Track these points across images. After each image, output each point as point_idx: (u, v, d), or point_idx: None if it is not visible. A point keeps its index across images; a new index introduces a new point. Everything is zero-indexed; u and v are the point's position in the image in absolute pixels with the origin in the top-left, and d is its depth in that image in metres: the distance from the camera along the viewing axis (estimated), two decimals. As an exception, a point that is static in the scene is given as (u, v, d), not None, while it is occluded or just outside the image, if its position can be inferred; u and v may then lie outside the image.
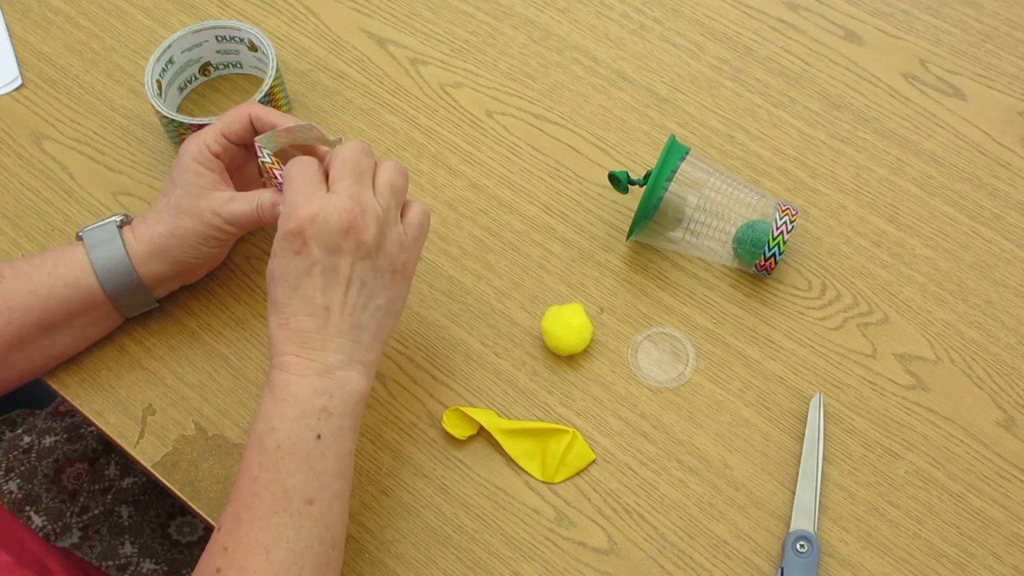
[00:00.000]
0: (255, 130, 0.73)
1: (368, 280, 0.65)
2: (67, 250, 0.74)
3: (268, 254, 0.83)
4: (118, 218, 0.75)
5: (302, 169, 0.66)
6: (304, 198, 0.64)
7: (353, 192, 0.64)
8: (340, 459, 0.64)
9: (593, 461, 0.75)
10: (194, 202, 0.72)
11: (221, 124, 0.73)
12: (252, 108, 0.73)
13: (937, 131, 0.88)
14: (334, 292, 0.64)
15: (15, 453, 0.89)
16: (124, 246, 0.73)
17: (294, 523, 0.61)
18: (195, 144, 0.73)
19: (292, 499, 0.62)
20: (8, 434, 0.93)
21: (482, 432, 0.75)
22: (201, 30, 0.86)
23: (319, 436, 0.63)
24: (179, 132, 0.84)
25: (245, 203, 0.72)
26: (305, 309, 0.64)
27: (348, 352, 0.65)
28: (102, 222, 0.74)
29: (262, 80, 0.89)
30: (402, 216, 0.68)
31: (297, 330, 0.64)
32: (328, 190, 0.65)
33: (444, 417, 0.76)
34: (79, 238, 0.74)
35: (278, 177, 0.70)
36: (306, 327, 0.64)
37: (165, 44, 0.84)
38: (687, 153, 0.79)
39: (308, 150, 0.75)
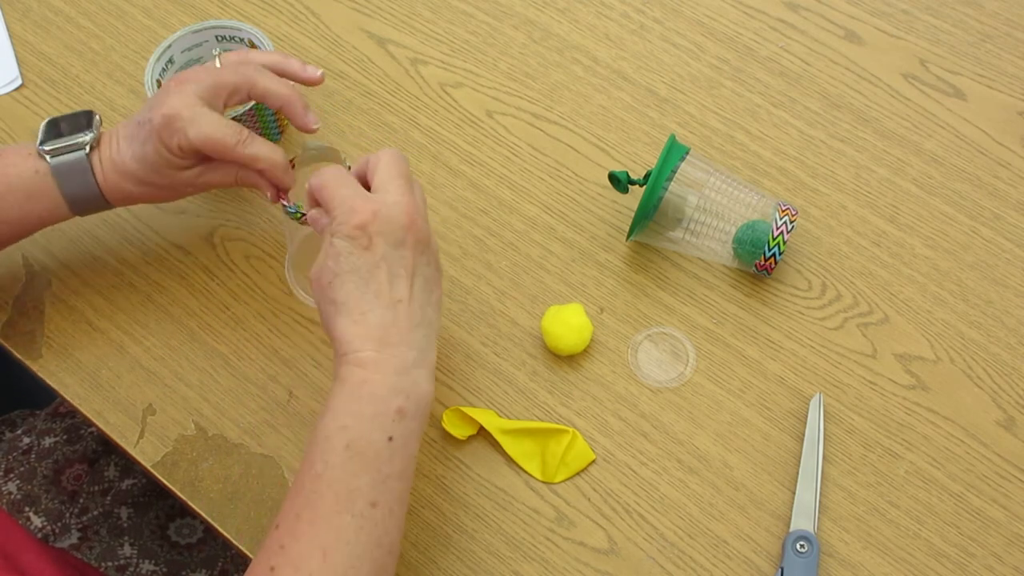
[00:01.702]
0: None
1: (427, 275, 0.66)
2: (34, 181, 0.71)
3: (268, 254, 0.83)
4: (87, 137, 0.72)
5: (338, 176, 0.66)
6: (359, 197, 0.64)
7: (405, 190, 0.65)
8: (406, 462, 0.63)
9: (593, 461, 0.75)
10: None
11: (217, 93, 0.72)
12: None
13: (937, 131, 0.88)
14: (402, 285, 0.64)
15: (15, 454, 0.89)
16: (95, 178, 0.72)
17: (355, 525, 0.60)
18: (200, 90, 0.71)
19: (356, 500, 0.61)
20: (8, 435, 0.93)
21: (482, 432, 0.75)
22: (201, 30, 0.86)
23: (391, 438, 0.62)
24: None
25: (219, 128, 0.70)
26: (379, 303, 0.64)
27: (420, 348, 0.65)
28: (68, 142, 0.72)
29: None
30: None
31: (375, 324, 0.64)
32: (373, 191, 0.65)
33: (444, 417, 0.76)
34: (41, 156, 0.71)
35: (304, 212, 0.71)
36: (383, 321, 0.64)
37: (165, 44, 0.84)
38: (687, 153, 0.79)
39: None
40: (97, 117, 0.73)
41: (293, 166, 0.73)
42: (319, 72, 0.75)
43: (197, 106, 0.69)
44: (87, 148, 0.71)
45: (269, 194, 0.73)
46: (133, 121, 0.72)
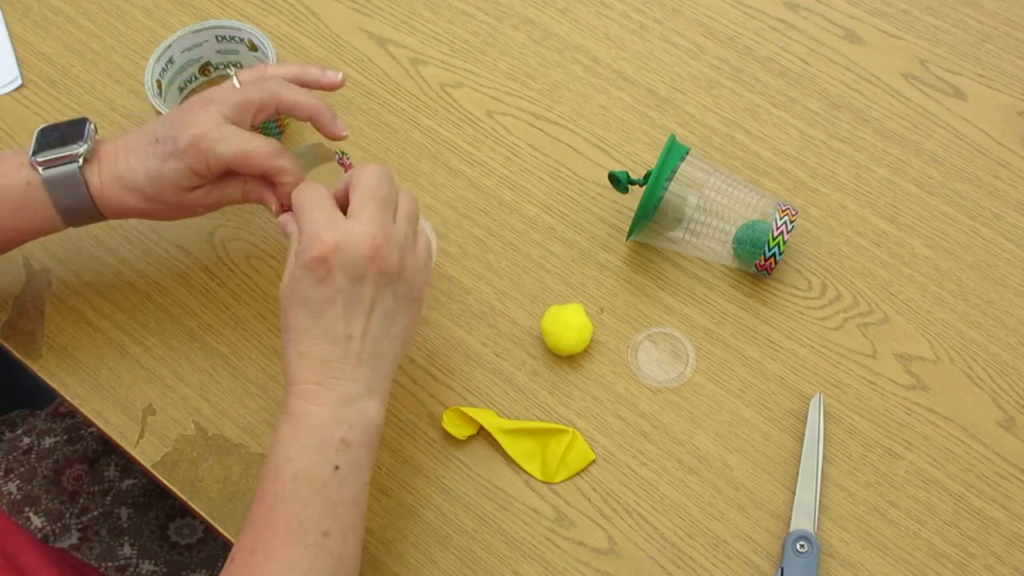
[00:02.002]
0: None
1: (389, 308, 0.65)
2: (25, 192, 0.70)
3: (268, 254, 0.83)
4: (81, 149, 0.70)
5: (314, 195, 0.65)
6: (325, 224, 0.63)
7: (376, 219, 0.64)
8: (356, 490, 0.63)
9: (593, 461, 0.75)
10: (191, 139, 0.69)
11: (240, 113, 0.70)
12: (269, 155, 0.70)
13: (937, 131, 0.88)
14: (357, 321, 0.63)
15: (15, 454, 0.89)
16: (89, 191, 0.70)
17: (309, 555, 0.60)
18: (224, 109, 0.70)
19: (307, 531, 0.61)
20: (8, 435, 0.93)
21: (482, 432, 0.75)
22: (201, 30, 0.86)
23: (337, 467, 0.62)
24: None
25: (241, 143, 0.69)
26: (327, 337, 0.63)
27: (367, 381, 0.64)
28: (61, 153, 0.70)
29: (262, 80, 0.89)
30: None
31: (318, 359, 0.63)
32: (347, 216, 0.64)
33: (444, 417, 0.76)
34: (34, 167, 0.70)
35: None
36: (327, 356, 0.63)
37: (165, 44, 0.84)
38: (687, 153, 0.79)
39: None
40: (91, 126, 0.72)
41: None
42: (339, 76, 0.73)
43: (224, 125, 0.68)
44: (80, 160, 0.70)
45: (274, 208, 0.72)
46: (146, 137, 0.70)
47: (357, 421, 0.63)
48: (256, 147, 0.68)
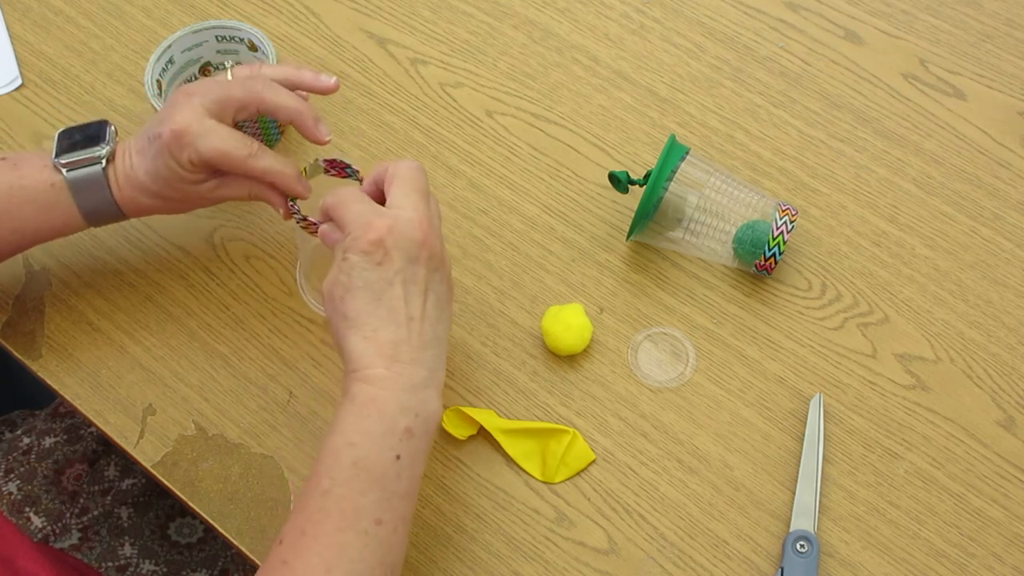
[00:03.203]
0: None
1: (439, 293, 0.66)
2: (50, 194, 0.71)
3: (268, 254, 0.83)
4: (103, 151, 0.71)
5: (350, 193, 0.66)
6: (376, 212, 0.64)
7: (420, 207, 0.65)
8: (412, 481, 0.63)
9: (593, 461, 0.75)
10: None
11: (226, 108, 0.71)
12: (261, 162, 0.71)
13: (937, 131, 0.88)
14: (416, 303, 0.64)
15: (15, 454, 0.89)
16: (111, 192, 0.71)
17: (360, 542, 0.60)
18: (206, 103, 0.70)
19: (361, 518, 0.61)
20: (8, 435, 0.93)
21: (482, 432, 0.75)
22: (201, 30, 0.86)
23: (398, 456, 0.62)
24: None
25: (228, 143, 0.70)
26: (391, 319, 0.63)
27: (431, 367, 0.64)
28: (84, 155, 0.71)
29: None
30: None
31: (387, 341, 0.63)
32: (388, 206, 0.65)
33: (444, 417, 0.76)
34: (57, 169, 0.71)
35: (313, 221, 0.71)
36: (396, 337, 0.63)
37: (165, 44, 0.84)
38: (687, 153, 0.79)
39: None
40: (112, 128, 0.73)
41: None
42: (333, 79, 0.74)
43: (205, 119, 0.68)
44: (103, 162, 0.71)
45: (282, 211, 0.72)
46: (144, 135, 0.71)
47: (421, 410, 0.63)
48: (233, 147, 0.69)
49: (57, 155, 0.71)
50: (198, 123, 0.68)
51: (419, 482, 0.64)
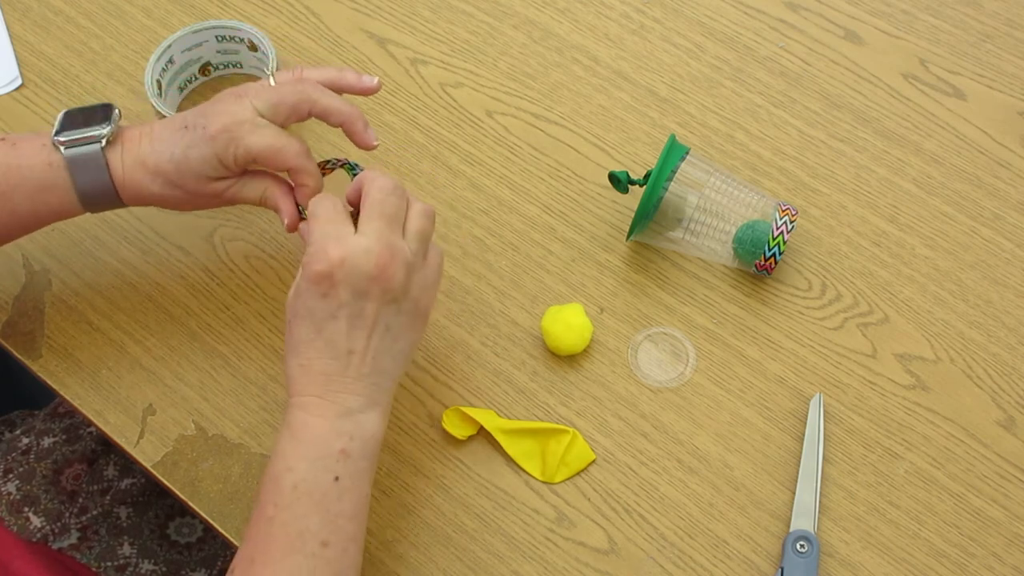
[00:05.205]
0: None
1: (393, 325, 0.65)
2: (47, 173, 0.70)
3: (269, 255, 0.83)
4: (104, 130, 0.70)
5: (328, 208, 0.65)
6: (333, 239, 0.63)
7: (383, 236, 0.63)
8: (356, 502, 0.63)
9: (593, 461, 0.75)
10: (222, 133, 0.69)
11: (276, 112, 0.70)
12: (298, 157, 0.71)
13: (937, 131, 0.88)
14: (359, 336, 0.63)
15: (14, 454, 0.89)
16: (110, 173, 0.70)
17: (308, 565, 0.60)
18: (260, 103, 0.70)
19: (307, 541, 0.61)
20: (7, 435, 0.93)
21: (482, 432, 0.75)
22: (201, 30, 0.86)
23: (337, 478, 0.62)
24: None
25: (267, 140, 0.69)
26: (328, 352, 0.63)
27: (368, 395, 0.64)
28: (84, 133, 0.70)
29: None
30: None
31: (319, 372, 0.63)
32: (356, 230, 0.64)
33: (444, 417, 0.76)
34: (56, 147, 0.70)
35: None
36: (328, 370, 0.63)
37: (165, 44, 0.84)
38: (687, 153, 0.79)
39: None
40: (116, 111, 0.72)
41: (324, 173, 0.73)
42: (375, 80, 0.73)
43: (257, 118, 0.68)
44: (103, 141, 0.70)
45: (286, 221, 0.71)
46: (174, 124, 0.70)
47: (357, 433, 0.63)
48: (287, 143, 0.69)
49: (57, 133, 0.70)
50: (250, 120, 0.68)
51: (366, 502, 0.64)
